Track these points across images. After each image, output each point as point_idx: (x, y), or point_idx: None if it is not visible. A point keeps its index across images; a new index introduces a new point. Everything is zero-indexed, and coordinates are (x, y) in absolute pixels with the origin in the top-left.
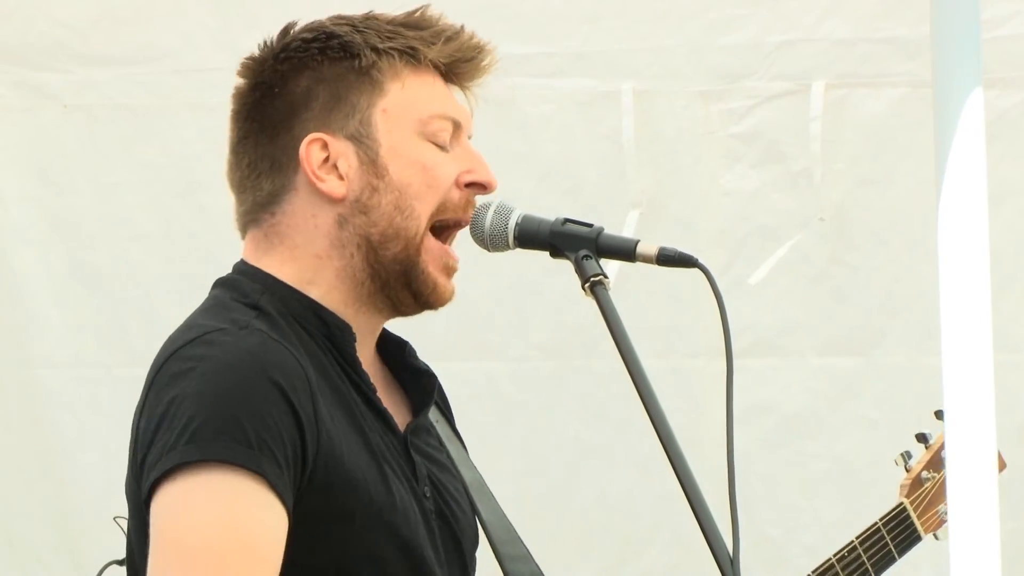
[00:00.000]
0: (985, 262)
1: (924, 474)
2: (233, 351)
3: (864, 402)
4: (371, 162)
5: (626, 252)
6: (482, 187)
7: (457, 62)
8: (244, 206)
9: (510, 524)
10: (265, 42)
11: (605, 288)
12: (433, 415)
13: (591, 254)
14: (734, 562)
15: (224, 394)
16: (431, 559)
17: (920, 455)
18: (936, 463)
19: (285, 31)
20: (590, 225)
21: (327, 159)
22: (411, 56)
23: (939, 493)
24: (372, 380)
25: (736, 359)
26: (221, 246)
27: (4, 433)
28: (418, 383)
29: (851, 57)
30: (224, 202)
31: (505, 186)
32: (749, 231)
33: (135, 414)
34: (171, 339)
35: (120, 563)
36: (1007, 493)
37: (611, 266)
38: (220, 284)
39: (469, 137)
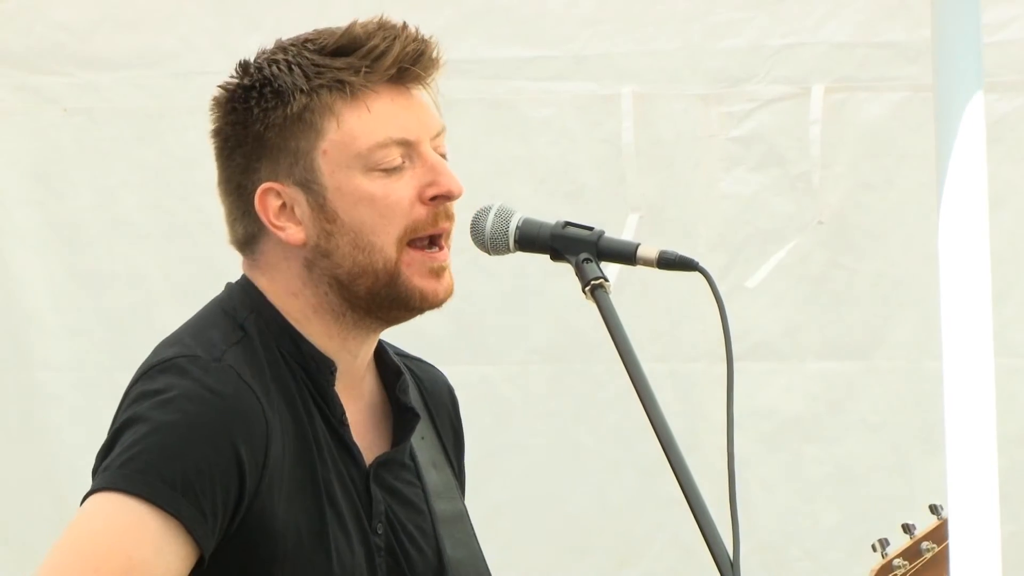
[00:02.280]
0: (986, 266)
1: (896, 562)
2: (197, 389)
3: (864, 406)
4: (320, 207)
5: (627, 255)
6: (445, 197)
7: (401, 70)
8: (232, 238)
9: (482, 563)
10: (227, 81)
11: (606, 291)
12: (421, 432)
13: (592, 257)
14: (734, 565)
15: (171, 432)
16: None
17: (899, 544)
18: (914, 553)
19: (241, 67)
20: (591, 228)
21: (283, 205)
22: (340, 89)
23: None
24: (362, 407)
25: (736, 362)
26: (221, 249)
27: (3, 435)
28: (403, 418)
29: (851, 61)
30: None
31: (505, 189)
32: (748, 234)
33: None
34: (156, 350)
35: None
36: (1007, 496)
37: (610, 269)
38: (226, 288)
39: (437, 135)
